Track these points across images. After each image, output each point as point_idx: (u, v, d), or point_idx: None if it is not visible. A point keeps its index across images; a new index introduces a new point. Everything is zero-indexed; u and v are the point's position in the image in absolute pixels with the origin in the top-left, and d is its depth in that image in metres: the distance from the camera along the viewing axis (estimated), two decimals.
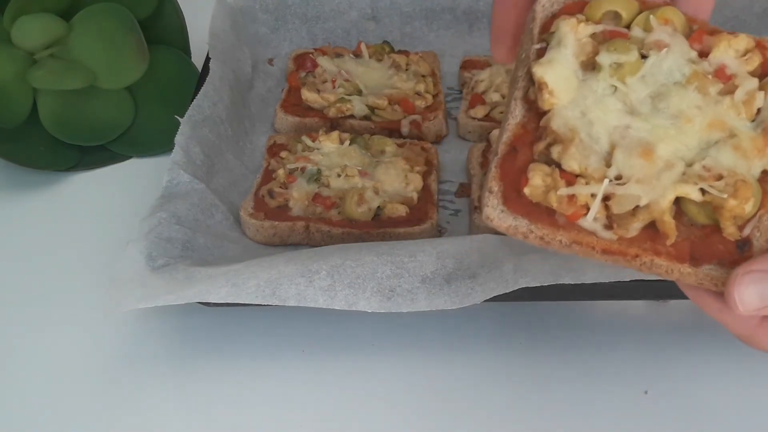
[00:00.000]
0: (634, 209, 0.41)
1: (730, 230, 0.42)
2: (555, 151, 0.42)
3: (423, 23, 0.98)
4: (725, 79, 0.43)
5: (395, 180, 0.76)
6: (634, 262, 0.43)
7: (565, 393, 0.61)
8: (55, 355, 0.64)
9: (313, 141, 0.80)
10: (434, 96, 0.89)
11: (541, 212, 0.42)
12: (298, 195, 0.74)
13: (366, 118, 0.85)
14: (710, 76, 0.43)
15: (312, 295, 0.57)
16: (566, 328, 0.66)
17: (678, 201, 0.42)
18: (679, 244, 0.43)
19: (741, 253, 0.43)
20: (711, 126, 0.42)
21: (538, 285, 0.56)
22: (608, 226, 0.42)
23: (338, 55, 0.92)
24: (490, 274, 0.58)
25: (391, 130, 0.85)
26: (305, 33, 0.97)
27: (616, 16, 0.44)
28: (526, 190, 0.42)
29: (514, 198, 0.42)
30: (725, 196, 0.41)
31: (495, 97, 0.87)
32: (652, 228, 0.42)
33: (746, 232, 0.42)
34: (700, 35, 0.44)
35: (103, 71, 0.82)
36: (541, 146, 0.42)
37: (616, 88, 0.43)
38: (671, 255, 0.43)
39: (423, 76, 0.90)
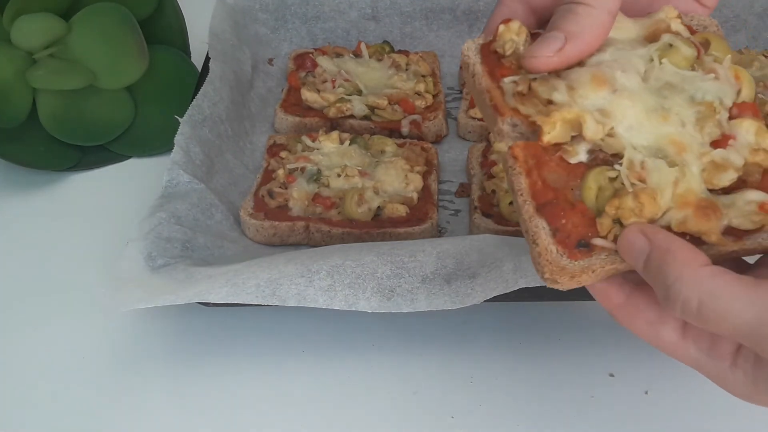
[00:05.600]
0: (547, 100, 0.43)
1: (605, 221, 0.41)
2: None
3: (423, 23, 0.98)
4: (723, 143, 0.43)
5: (395, 180, 0.76)
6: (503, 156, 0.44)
7: (565, 393, 0.61)
8: (54, 354, 0.64)
9: (313, 141, 0.80)
10: (434, 96, 0.89)
11: (491, 60, 0.46)
12: (298, 195, 0.74)
13: (366, 118, 0.85)
14: (717, 125, 0.43)
15: (312, 295, 0.57)
16: (566, 328, 0.66)
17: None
18: (548, 187, 0.42)
19: (576, 245, 0.42)
20: (674, 143, 0.42)
21: (538, 285, 0.56)
22: (517, 94, 0.44)
23: (338, 55, 0.92)
24: (490, 274, 0.58)
25: (391, 130, 0.85)
26: (305, 33, 0.97)
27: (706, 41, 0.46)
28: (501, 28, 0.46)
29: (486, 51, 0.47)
30: (631, 190, 0.41)
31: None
32: (533, 141, 0.43)
33: (598, 241, 0.42)
34: (748, 107, 0.44)
35: (102, 71, 0.81)
36: None
37: (652, 60, 0.44)
38: (535, 184, 0.42)
39: (423, 76, 0.90)
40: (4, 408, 0.61)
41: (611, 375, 0.62)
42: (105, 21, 0.82)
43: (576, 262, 0.42)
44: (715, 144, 0.43)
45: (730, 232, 0.42)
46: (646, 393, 0.61)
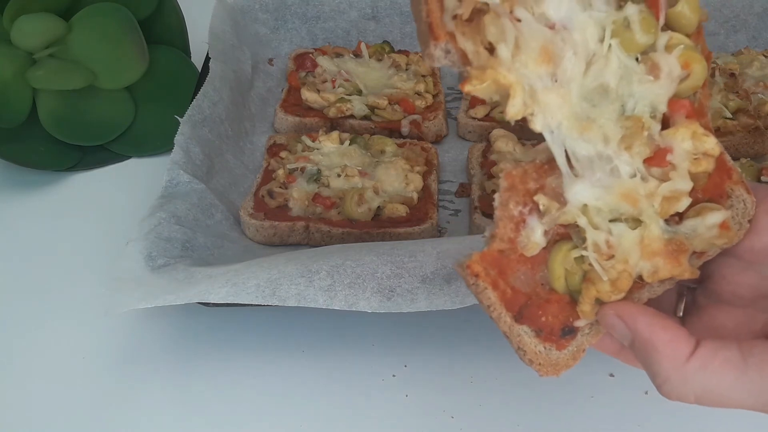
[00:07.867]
0: (490, 44, 0.39)
1: (585, 308, 0.41)
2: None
3: None
4: (662, 162, 0.40)
5: (395, 180, 0.76)
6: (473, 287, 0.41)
7: (565, 393, 0.61)
8: (55, 354, 0.64)
9: (313, 141, 0.80)
10: (434, 96, 0.89)
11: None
12: (298, 195, 0.74)
13: (366, 118, 0.85)
14: (646, 142, 0.40)
15: (312, 295, 0.57)
16: None
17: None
18: (518, 293, 0.41)
19: (560, 335, 0.41)
20: (626, 197, 0.40)
21: None
22: (458, 18, 0.39)
23: (338, 55, 0.92)
24: None
25: (391, 130, 0.85)
26: (305, 33, 0.97)
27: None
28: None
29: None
30: (606, 278, 0.40)
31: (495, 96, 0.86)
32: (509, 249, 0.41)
33: (581, 323, 0.41)
34: (681, 105, 0.41)
35: (102, 71, 0.82)
36: None
37: (603, 37, 0.40)
38: (504, 294, 0.40)
39: (423, 75, 0.90)
40: (4, 408, 0.61)
41: (611, 375, 0.62)
42: (105, 21, 0.82)
43: (565, 351, 0.42)
44: (649, 161, 0.40)
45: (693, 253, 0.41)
46: (646, 393, 0.61)
